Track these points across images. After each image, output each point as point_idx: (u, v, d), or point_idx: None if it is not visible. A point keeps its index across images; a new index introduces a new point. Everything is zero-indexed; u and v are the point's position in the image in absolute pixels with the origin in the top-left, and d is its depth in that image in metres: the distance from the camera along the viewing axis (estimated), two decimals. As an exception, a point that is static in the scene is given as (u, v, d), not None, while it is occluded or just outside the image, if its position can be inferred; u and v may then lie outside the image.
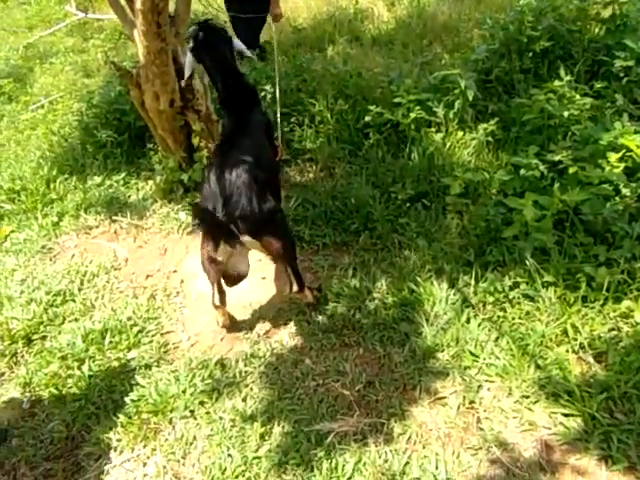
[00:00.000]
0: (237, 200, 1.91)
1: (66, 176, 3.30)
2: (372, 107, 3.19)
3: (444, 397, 1.92)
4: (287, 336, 2.26)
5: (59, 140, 3.71)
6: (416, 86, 3.33)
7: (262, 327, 2.31)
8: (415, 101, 3.18)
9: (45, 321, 2.40)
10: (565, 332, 2.03)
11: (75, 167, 3.38)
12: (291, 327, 2.30)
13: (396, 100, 3.20)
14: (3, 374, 2.25)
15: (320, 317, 2.31)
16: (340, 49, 4.50)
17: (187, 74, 2.35)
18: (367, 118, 3.20)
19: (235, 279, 2.22)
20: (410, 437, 1.80)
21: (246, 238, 1.99)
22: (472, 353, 2.02)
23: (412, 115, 3.11)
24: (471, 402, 1.89)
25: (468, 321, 2.13)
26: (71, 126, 3.83)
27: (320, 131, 3.39)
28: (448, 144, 3.03)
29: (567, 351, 1.99)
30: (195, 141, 2.84)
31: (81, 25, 5.76)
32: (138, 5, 2.20)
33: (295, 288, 2.23)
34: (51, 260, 2.80)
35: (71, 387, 2.10)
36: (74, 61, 5.03)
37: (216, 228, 1.94)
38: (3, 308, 2.47)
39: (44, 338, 2.35)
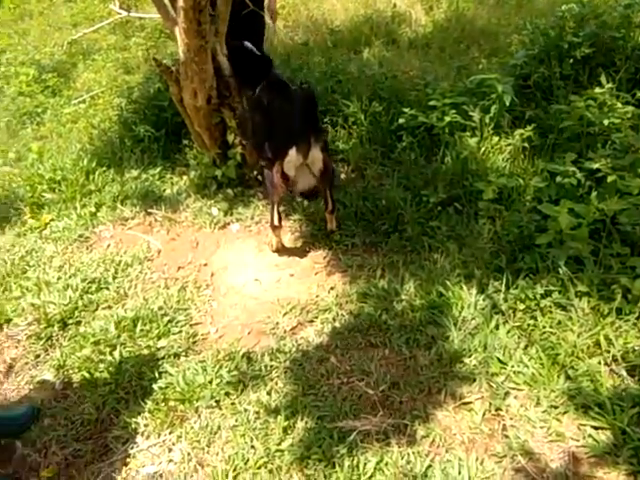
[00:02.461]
0: (312, 118, 2.32)
1: (105, 168, 3.40)
2: (406, 109, 3.19)
3: (469, 402, 1.90)
4: (313, 333, 2.27)
5: (99, 134, 3.83)
6: (452, 90, 3.31)
7: (289, 323, 2.33)
8: (450, 104, 3.16)
9: (80, 307, 2.48)
10: (598, 344, 1.99)
11: (113, 160, 3.48)
12: (317, 325, 2.32)
13: (431, 103, 3.19)
14: (39, 356, 2.33)
15: (346, 316, 2.32)
16: (376, 51, 4.51)
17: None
18: (401, 120, 3.20)
19: (303, 193, 2.56)
20: (433, 440, 1.79)
21: (316, 150, 2.33)
22: (500, 360, 1.99)
23: (447, 119, 3.10)
24: (497, 409, 1.86)
25: (497, 327, 2.11)
26: (111, 120, 3.95)
27: (353, 132, 3.41)
28: (483, 149, 3.00)
29: (599, 363, 1.94)
30: (230, 138, 2.89)
31: (123, 23, 5.91)
32: (180, 3, 2.26)
33: (330, 208, 2.61)
34: (88, 249, 2.89)
35: (102, 371, 2.16)
36: (115, 58, 5.17)
37: (292, 137, 2.28)
38: (41, 293, 2.56)
39: (78, 323, 2.42)
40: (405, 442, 1.79)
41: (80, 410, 2.06)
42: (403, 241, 2.62)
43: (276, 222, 2.54)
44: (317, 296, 2.44)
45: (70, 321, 2.43)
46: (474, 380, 1.96)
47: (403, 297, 2.33)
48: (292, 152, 2.32)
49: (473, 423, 1.83)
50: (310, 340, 2.24)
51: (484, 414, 1.85)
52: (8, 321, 2.50)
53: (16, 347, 2.39)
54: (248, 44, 2.78)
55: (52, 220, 3.10)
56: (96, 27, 5.94)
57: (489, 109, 3.09)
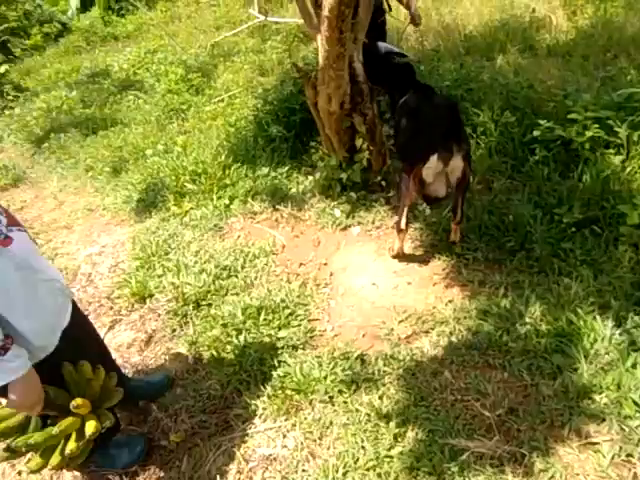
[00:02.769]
0: (457, 126, 2.32)
1: (239, 164, 3.65)
2: (542, 122, 3.05)
3: (597, 443, 1.79)
4: (428, 345, 2.27)
5: (235, 131, 4.11)
6: (595, 102, 3.10)
7: (404, 331, 2.35)
8: (593, 119, 2.96)
9: (212, 290, 2.70)
10: None
11: (247, 157, 3.72)
12: (432, 336, 2.31)
13: (571, 116, 3.01)
14: (175, 330, 2.58)
15: (464, 332, 2.28)
16: (511, 59, 4.33)
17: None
18: (535, 133, 3.06)
19: (435, 200, 2.57)
20: (553, 476, 1.72)
21: (458, 158, 2.34)
22: (635, 402, 1.85)
23: (588, 133, 2.91)
24: (628, 455, 1.73)
25: (634, 367, 1.95)
26: (246, 120, 4.22)
27: (481, 142, 3.33)
28: (628, 169, 2.77)
29: None
30: (358, 142, 2.97)
31: (261, 27, 6.26)
32: (325, 12, 2.36)
33: (457, 219, 2.59)
34: (220, 238, 3.14)
35: (228, 352, 2.35)
36: (252, 60, 5.50)
37: (435, 143, 2.31)
38: (180, 273, 2.83)
39: (210, 305, 2.64)
40: (521, 472, 1.73)
41: (207, 385, 2.26)
42: (530, 261, 2.52)
43: (403, 225, 2.57)
44: (434, 307, 2.43)
45: (203, 302, 2.66)
46: (604, 420, 1.83)
47: (527, 320, 2.24)
48: (433, 158, 2.33)
49: (599, 466, 1.72)
50: (424, 351, 2.24)
51: (613, 458, 1.73)
52: (151, 296, 2.80)
53: (156, 320, 2.68)
54: (393, 48, 2.85)
55: (192, 209, 3.40)
56: (236, 30, 6.36)
57: (638, 126, 2.84)
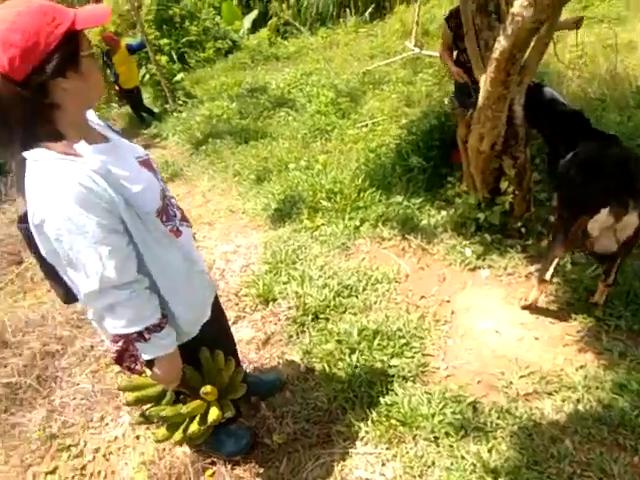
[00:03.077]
0: (636, 180, 2.16)
1: (374, 189, 3.74)
2: None
3: None
4: (550, 408, 2.12)
5: (374, 157, 4.23)
6: None
7: (524, 388, 2.22)
8: None
9: (331, 306, 2.79)
10: None
11: (383, 183, 3.80)
12: (556, 400, 2.15)
13: None
14: (291, 337, 2.70)
15: (594, 403, 2.09)
16: (689, 117, 3.93)
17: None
18: None
19: (601, 256, 2.41)
20: None
21: (634, 215, 2.17)
22: None
23: None
24: None
25: None
26: (387, 147, 4.32)
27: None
28: None
29: None
30: (503, 185, 2.89)
31: (414, 60, 6.41)
32: (496, 55, 2.36)
33: (610, 280, 2.42)
34: (346, 257, 3.23)
35: (339, 369, 2.40)
36: (401, 90, 5.63)
37: (608, 196, 2.18)
38: (304, 284, 2.97)
39: (327, 320, 2.73)
40: None
41: (315, 396, 2.32)
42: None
43: (548, 277, 2.44)
44: (562, 370, 2.27)
45: (321, 316, 2.75)
46: None
47: (672, 405, 2.00)
48: (604, 211, 2.17)
49: None
50: (545, 413, 2.09)
51: None
52: (274, 300, 2.96)
53: (275, 324, 2.82)
54: (556, 94, 2.76)
55: (323, 225, 3.55)
56: (390, 61, 6.58)
57: None
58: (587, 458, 1.90)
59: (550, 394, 2.18)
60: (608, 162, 2.28)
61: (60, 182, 1.19)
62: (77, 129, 1.30)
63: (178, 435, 1.66)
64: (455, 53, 3.63)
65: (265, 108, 5.87)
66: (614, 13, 6.80)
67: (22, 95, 1.17)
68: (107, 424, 2.41)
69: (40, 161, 1.21)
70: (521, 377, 2.27)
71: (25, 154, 1.22)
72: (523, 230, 2.99)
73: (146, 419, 1.68)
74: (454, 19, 3.46)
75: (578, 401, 2.11)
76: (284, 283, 3.04)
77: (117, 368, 2.63)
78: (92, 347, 2.84)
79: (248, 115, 5.78)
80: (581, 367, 2.26)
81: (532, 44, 2.60)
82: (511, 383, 2.25)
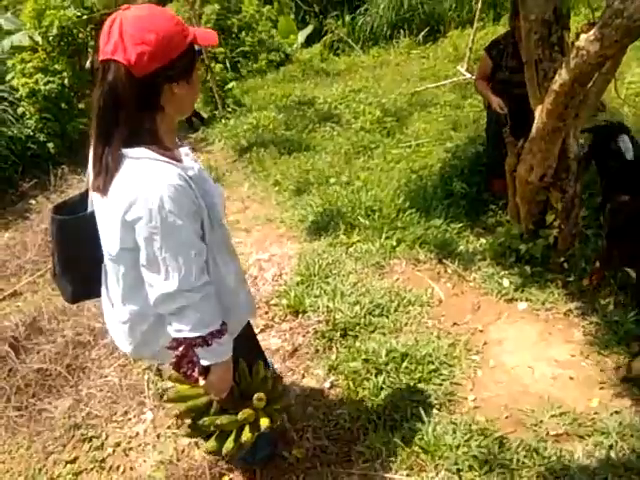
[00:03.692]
0: None
1: (413, 210, 3.71)
2: None
3: None
4: (581, 451, 2.04)
5: (416, 178, 4.20)
6: None
7: (554, 428, 2.14)
8: None
9: (361, 324, 2.77)
10: None
11: (423, 205, 3.77)
12: (588, 444, 2.06)
13: None
14: (318, 351, 2.69)
15: (627, 451, 2.01)
16: None
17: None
18: None
19: None
20: None
21: None
22: None
23: None
24: None
25: None
26: (429, 169, 4.29)
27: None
28: None
29: None
30: (549, 218, 2.83)
31: (464, 85, 6.36)
32: (555, 87, 2.32)
33: None
34: (380, 276, 3.21)
35: (365, 389, 2.37)
36: (448, 114, 5.59)
37: None
38: (335, 299, 2.96)
39: (356, 337, 2.71)
40: None
41: (337, 413, 2.30)
42: None
43: None
44: (596, 413, 2.18)
45: (350, 333, 2.73)
46: None
47: None
48: None
49: None
50: (575, 457, 2.01)
51: None
52: (304, 312, 2.96)
53: (304, 336, 2.82)
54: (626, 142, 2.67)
55: (358, 241, 3.54)
56: (440, 84, 6.56)
57: None
58: (616, 509, 1.81)
59: (582, 437, 2.10)
60: None
61: (162, 182, 1.25)
62: (171, 136, 1.40)
63: (230, 444, 1.66)
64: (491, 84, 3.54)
65: (311, 121, 5.93)
66: (676, 51, 6.59)
67: (139, 91, 1.25)
68: (130, 419, 2.45)
69: (142, 160, 1.28)
70: (552, 416, 2.19)
71: (125, 151, 1.27)
72: (565, 265, 2.91)
73: (197, 429, 1.68)
74: (496, 48, 3.43)
75: (611, 447, 2.02)
76: (315, 296, 3.04)
77: (144, 365, 2.68)
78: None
79: (294, 127, 5.85)
80: (616, 412, 2.16)
81: (594, 79, 2.55)
82: (541, 422, 2.17)
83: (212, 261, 1.45)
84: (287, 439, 2.23)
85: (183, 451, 2.22)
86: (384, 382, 2.38)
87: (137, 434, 2.35)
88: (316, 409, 2.35)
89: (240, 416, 1.62)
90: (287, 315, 2.99)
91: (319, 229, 3.78)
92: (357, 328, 2.75)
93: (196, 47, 1.36)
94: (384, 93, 6.52)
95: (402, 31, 9.02)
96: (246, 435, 1.63)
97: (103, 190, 1.31)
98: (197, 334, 1.37)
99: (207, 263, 1.42)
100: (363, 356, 2.54)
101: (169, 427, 2.31)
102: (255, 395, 1.65)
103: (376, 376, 2.42)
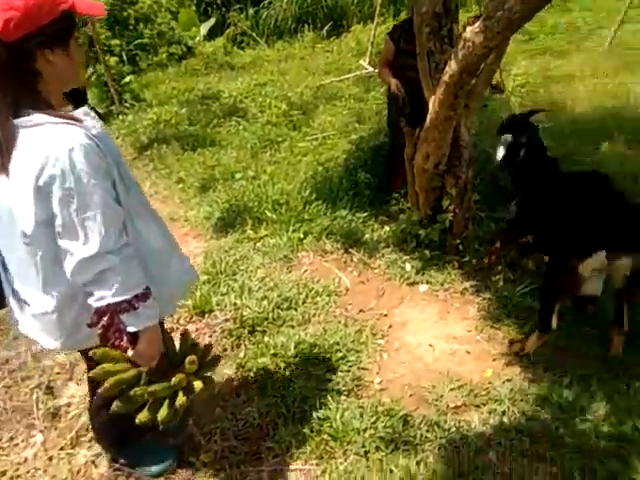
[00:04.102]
0: (634, 222, 2.13)
1: (320, 202, 3.74)
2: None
3: None
4: (477, 420, 2.16)
5: (322, 170, 4.24)
6: None
7: (453, 401, 2.26)
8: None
9: (269, 319, 2.75)
10: None
11: (329, 197, 3.82)
12: (483, 412, 2.20)
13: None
14: (225, 350, 2.63)
15: (518, 415, 2.16)
16: (618, 148, 4.18)
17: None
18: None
19: (584, 299, 2.32)
20: None
21: (626, 257, 2.13)
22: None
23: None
24: None
25: None
26: (335, 161, 4.35)
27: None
28: None
29: None
30: (445, 203, 2.97)
31: (367, 78, 6.52)
32: (445, 78, 2.42)
33: (626, 328, 2.33)
34: (288, 269, 3.21)
35: (273, 383, 2.36)
36: (352, 107, 5.70)
37: (602, 238, 2.14)
38: (242, 295, 2.92)
39: (264, 332, 2.68)
40: None
41: (246, 411, 2.26)
42: (604, 356, 2.35)
43: (555, 326, 2.33)
44: (490, 383, 2.33)
45: (258, 328, 2.71)
46: None
47: (589, 417, 2.09)
48: (599, 255, 2.14)
49: None
50: (472, 426, 2.14)
51: None
52: (210, 311, 2.88)
53: (210, 336, 2.75)
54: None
55: (266, 236, 3.52)
56: (344, 77, 6.68)
57: None
58: (509, 469, 1.95)
59: (478, 407, 2.23)
60: (600, 203, 2.26)
61: (70, 142, 1.24)
62: (58, 102, 1.36)
63: (164, 411, 1.60)
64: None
65: (215, 116, 5.80)
66: (557, 46, 7.19)
67: (10, 57, 1.23)
68: (17, 444, 2.22)
69: (44, 125, 1.25)
70: (451, 390, 2.31)
71: (18, 121, 1.24)
72: (461, 247, 3.08)
73: (127, 402, 1.58)
74: (397, 32, 3.48)
75: (503, 413, 2.16)
76: (222, 294, 2.98)
77: (32, 383, 2.47)
78: (7, 361, 2.64)
79: (197, 122, 5.68)
80: (508, 380, 2.32)
81: (480, 70, 2.70)
82: (442, 396, 2.28)
83: (131, 225, 1.43)
84: (194, 444, 2.16)
85: (79, 471, 2.07)
86: (293, 375, 2.39)
87: (26, 460, 2.15)
88: (224, 409, 2.30)
89: (174, 380, 1.57)
90: (193, 316, 2.89)
91: (226, 226, 3.70)
92: (265, 323, 2.73)
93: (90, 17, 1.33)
94: (290, 87, 6.52)
95: (306, 25, 9.06)
96: (180, 399, 1.59)
97: (2, 168, 1.26)
98: (121, 298, 1.33)
99: (126, 227, 1.39)
100: (272, 351, 2.52)
101: (62, 448, 2.15)
102: (187, 359, 1.61)
103: (285, 370, 2.41)
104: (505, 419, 2.14)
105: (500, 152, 2.74)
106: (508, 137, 2.75)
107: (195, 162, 4.73)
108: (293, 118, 5.48)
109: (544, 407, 2.16)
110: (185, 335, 1.74)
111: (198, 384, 1.64)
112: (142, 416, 1.59)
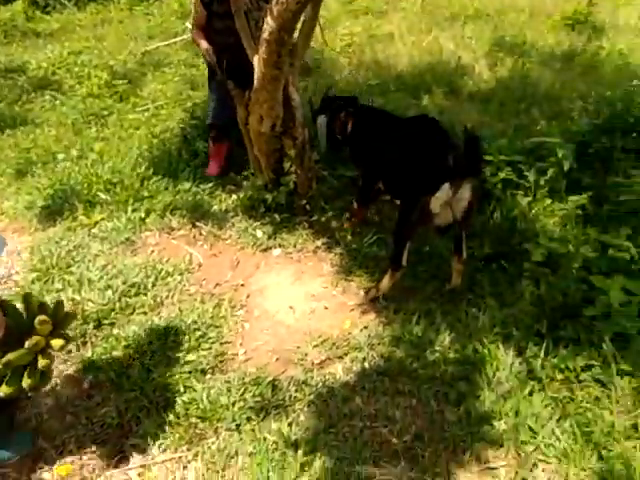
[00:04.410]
0: (472, 154, 2.21)
1: (159, 177, 3.50)
2: (460, 160, 3.19)
3: (495, 468, 1.83)
4: (341, 370, 2.25)
5: (158, 143, 3.96)
6: (509, 147, 3.30)
7: (317, 357, 2.32)
8: (505, 162, 3.16)
9: (117, 309, 2.52)
10: (635, 427, 1.90)
11: (169, 170, 3.58)
12: (346, 362, 2.29)
13: (486, 157, 3.18)
14: (70, 352, 2.36)
15: (377, 358, 2.29)
16: (436, 99, 4.55)
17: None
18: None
19: (445, 229, 2.43)
20: (453, 503, 1.73)
21: (467, 188, 2.25)
22: (531, 429, 1.92)
23: (501, 175, 3.09)
24: (523, 479, 1.79)
25: (531, 394, 2.04)
26: (172, 132, 4.08)
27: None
28: (534, 210, 2.96)
29: (634, 447, 1.85)
30: (286, 165, 2.95)
31: (195, 42, 6.19)
32: (265, 35, 2.35)
33: (463, 257, 2.51)
34: (132, 252, 2.96)
35: (130, 377, 2.18)
36: (183, 73, 5.38)
37: (445, 172, 2.22)
38: (82, 289, 2.63)
39: (113, 325, 2.46)
40: (424, 500, 1.73)
41: (103, 412, 2.07)
42: (443, 290, 2.59)
43: (404, 262, 2.43)
44: (349, 333, 2.43)
45: (105, 321, 2.47)
46: (502, 445, 1.89)
47: (437, 348, 2.29)
48: (445, 187, 2.23)
49: (497, 491, 1.76)
50: (337, 377, 2.22)
51: (509, 484, 1.78)
52: (47, 311, 2.55)
53: (51, 338, 2.44)
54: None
55: (102, 220, 3.19)
56: (170, 42, 6.24)
57: (545, 171, 3.06)
58: (374, 410, 2.06)
59: (341, 358, 2.32)
60: (434, 141, 2.39)
61: None
62: None
63: (27, 378, 1.52)
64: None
65: (24, 91, 5.04)
66: (376, 7, 7.53)
67: None
68: None
69: None
70: (315, 347, 2.36)
71: None
72: (308, 207, 3.12)
73: None
74: None
75: (364, 359, 2.28)
76: (57, 290, 2.65)
77: None
78: None
79: (2, 99, 4.90)
80: (365, 328, 2.44)
81: (300, 27, 2.67)
82: (306, 355, 2.32)
83: None
84: (45, 459, 1.93)
85: None
86: (150, 363, 2.23)
87: None
88: (76, 416, 2.07)
89: (27, 344, 1.47)
90: (26, 320, 2.54)
91: (52, 214, 3.28)
92: (112, 315, 2.50)
93: None
94: (110, 54, 5.93)
95: (121, -15, 8.24)
96: (41, 362, 1.50)
97: None
98: None
99: None
100: (123, 343, 2.33)
101: None
102: (36, 319, 1.50)
103: (140, 360, 2.24)
104: (366, 364, 2.26)
105: (323, 139, 2.80)
106: (323, 119, 2.83)
107: (5, 145, 4.10)
108: (118, 88, 5.00)
109: (399, 346, 2.31)
110: (27, 297, 1.63)
111: (57, 342, 1.57)
112: (4, 390, 1.51)
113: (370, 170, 2.87)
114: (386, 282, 2.52)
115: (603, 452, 1.84)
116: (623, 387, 2.00)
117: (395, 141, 2.61)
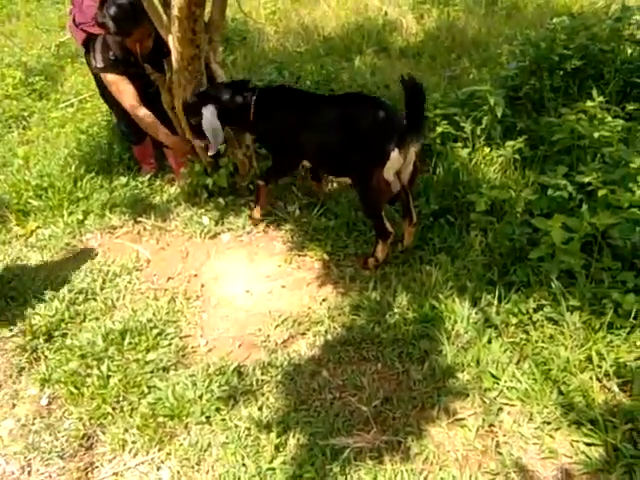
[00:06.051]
0: (415, 113, 2.17)
1: (93, 175, 3.34)
2: (397, 119, 3.18)
3: (463, 418, 1.89)
4: (305, 347, 2.25)
5: (87, 139, 3.77)
6: (443, 100, 3.32)
7: (280, 336, 2.30)
8: (442, 115, 3.17)
9: (66, 318, 2.42)
10: (589, 359, 1.99)
11: (102, 166, 3.42)
12: (309, 337, 2.29)
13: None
14: (23, 369, 2.27)
15: (339, 329, 2.29)
16: (367, 60, 4.51)
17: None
18: (392, 130, 3.19)
19: (394, 198, 2.46)
20: (427, 457, 1.78)
21: (412, 146, 2.24)
22: (493, 375, 1.99)
23: (438, 129, 3.10)
24: (490, 425, 1.85)
25: (490, 342, 2.10)
26: (100, 125, 3.89)
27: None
28: (474, 160, 3.00)
29: (591, 378, 1.94)
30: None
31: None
32: (175, 12, 2.23)
33: (414, 220, 2.53)
34: (75, 258, 2.83)
35: (89, 386, 2.11)
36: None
37: (392, 137, 2.21)
38: (26, 303, 2.50)
39: (64, 335, 2.37)
40: (398, 459, 1.77)
41: (66, 426, 2.01)
42: (395, 253, 2.61)
43: (390, 228, 2.44)
44: (309, 308, 2.42)
45: (56, 333, 2.37)
46: (467, 395, 1.95)
47: (396, 310, 2.32)
48: (394, 155, 2.21)
49: (466, 440, 1.82)
50: (302, 353, 2.22)
51: (477, 430, 1.84)
52: (-9, 333, 2.43)
53: None
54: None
55: (38, 227, 3.03)
56: (85, 30, 5.87)
57: (481, 120, 3.09)
58: (342, 380, 2.08)
59: (303, 334, 2.31)
60: (372, 113, 2.33)
61: None
62: None
63: None
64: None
65: None
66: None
67: None
68: None
69: None
70: (276, 327, 2.34)
71: None
72: (252, 187, 3.05)
73: None
74: None
75: (326, 332, 2.28)
76: (1, 309, 2.52)
77: None
78: None
79: None
80: (324, 300, 2.44)
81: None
82: (268, 336, 2.31)
83: None
84: (11, 485, 1.86)
85: None
86: (109, 369, 2.16)
87: None
88: (38, 434, 2.00)
89: None
90: (-29, 345, 2.41)
91: (-19, 229, 3.09)
92: (63, 325, 2.40)
93: None
94: (23, 50, 5.56)
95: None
96: None
97: None
98: None
99: None
100: (78, 352, 2.24)
101: None
102: None
103: (98, 367, 2.17)
104: (329, 337, 2.26)
105: (217, 131, 2.62)
106: (210, 109, 2.57)
107: None
108: (36, 86, 4.72)
109: (359, 314, 2.32)
110: None
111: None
112: None
113: (289, 152, 2.73)
114: (381, 250, 2.52)
115: (562, 387, 1.92)
116: (574, 322, 2.07)
117: (327, 118, 2.51)
